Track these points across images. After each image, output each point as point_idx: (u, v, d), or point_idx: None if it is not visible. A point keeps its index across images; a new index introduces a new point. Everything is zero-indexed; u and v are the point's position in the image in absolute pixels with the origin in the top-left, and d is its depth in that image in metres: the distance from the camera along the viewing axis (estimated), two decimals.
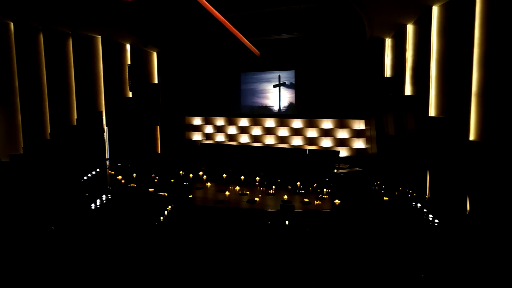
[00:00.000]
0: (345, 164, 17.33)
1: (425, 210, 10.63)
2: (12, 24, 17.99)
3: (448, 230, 9.28)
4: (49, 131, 18.68)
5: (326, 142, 18.44)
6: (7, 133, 18.49)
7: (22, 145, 18.44)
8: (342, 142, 18.24)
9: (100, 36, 18.68)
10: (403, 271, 7.40)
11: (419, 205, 11.21)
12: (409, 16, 12.44)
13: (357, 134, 18.08)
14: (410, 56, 13.23)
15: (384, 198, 12.50)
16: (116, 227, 10.14)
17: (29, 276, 7.07)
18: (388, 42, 15.52)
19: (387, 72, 15.59)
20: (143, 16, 16.87)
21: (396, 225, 10.13)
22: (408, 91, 13.43)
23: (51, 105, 18.62)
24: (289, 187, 14.41)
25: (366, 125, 17.78)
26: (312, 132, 18.76)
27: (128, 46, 19.26)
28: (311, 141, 18.77)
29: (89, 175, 15.73)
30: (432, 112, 11.30)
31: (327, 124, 18.58)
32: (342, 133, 18.30)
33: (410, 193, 12.63)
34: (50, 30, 18.09)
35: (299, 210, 11.78)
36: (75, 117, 18.79)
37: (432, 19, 11.03)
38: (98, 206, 11.83)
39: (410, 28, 13.23)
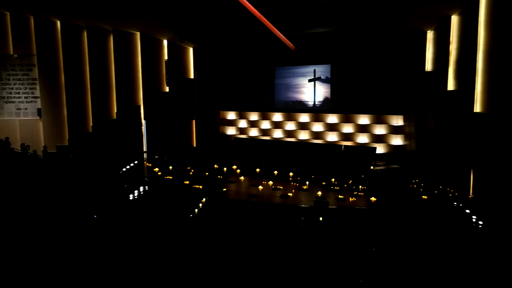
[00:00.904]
0: (382, 161, 16.88)
1: (468, 211, 10.16)
2: (58, 23, 18.86)
3: (493, 232, 8.83)
4: (91, 124, 19.51)
5: (363, 138, 18.03)
6: (55, 126, 19.49)
7: (67, 137, 19.39)
8: (379, 138, 17.77)
9: (139, 33, 19.19)
10: (442, 273, 7.13)
11: (461, 205, 10.73)
12: (454, 7, 11.87)
13: (395, 130, 17.55)
14: (454, 49, 12.63)
15: (423, 197, 12.08)
16: (152, 218, 10.41)
17: (73, 262, 7.40)
18: (430, 34, 14.90)
19: (428, 66, 14.99)
20: (180, 12, 17.13)
21: (436, 225, 9.76)
22: (451, 86, 12.85)
23: (93, 100, 19.41)
24: (323, 183, 14.24)
25: (404, 121, 17.21)
26: (348, 128, 18.41)
27: (165, 42, 19.66)
28: (346, 136, 18.42)
29: (128, 167, 16.24)
30: (477, 108, 10.75)
31: (363, 119, 18.15)
32: (379, 129, 17.82)
33: (451, 193, 12.10)
34: (93, 27, 18.80)
35: (334, 206, 11.62)
36: (115, 111, 19.48)
37: (480, 9, 10.46)
38: (136, 197, 12.20)
39: (454, 20, 12.62)
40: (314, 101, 19.20)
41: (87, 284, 6.68)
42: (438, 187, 12.86)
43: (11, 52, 19.01)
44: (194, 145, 20.38)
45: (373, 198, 12.24)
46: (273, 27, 14.86)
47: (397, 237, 9.05)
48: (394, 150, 17.50)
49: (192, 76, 20.21)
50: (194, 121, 20.38)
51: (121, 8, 15.06)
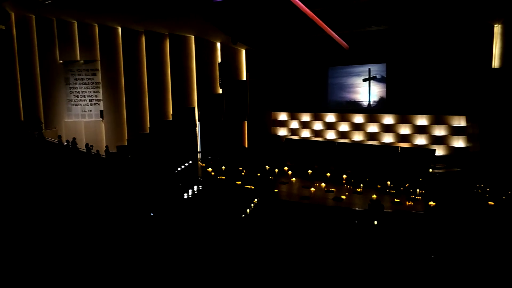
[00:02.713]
0: (442, 164, 15.97)
1: None
2: (119, 29, 20.00)
3: None
4: (148, 125, 20.44)
5: (420, 140, 17.17)
6: (115, 127, 20.70)
7: (126, 138, 20.49)
8: (439, 140, 16.82)
9: (193, 36, 19.80)
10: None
11: None
12: None
13: (457, 131, 16.51)
14: None
15: (489, 202, 11.25)
16: (206, 217, 10.65)
17: (131, 256, 7.77)
18: (497, 28, 13.86)
19: (495, 63, 13.94)
20: (233, 14, 17.39)
21: (504, 234, 9.05)
22: None
23: (151, 102, 20.34)
24: (378, 186, 13.75)
25: (467, 121, 16.13)
26: (404, 129, 17.63)
27: (218, 45, 20.09)
28: (403, 138, 17.64)
29: (183, 166, 16.77)
30: None
31: (421, 120, 17.28)
32: (439, 130, 16.87)
33: None
34: (150, 32, 19.70)
35: (389, 210, 11.19)
36: (171, 113, 20.24)
37: None
38: (190, 196, 12.56)
39: None
40: (369, 101, 18.62)
41: (145, 276, 6.97)
42: (507, 192, 11.92)
43: (78, 58, 20.44)
44: (246, 146, 20.61)
45: (432, 203, 11.61)
46: (326, 26, 14.61)
47: (459, 245, 8.50)
48: (455, 152, 16.48)
49: (244, 78, 20.46)
50: (246, 122, 20.60)
51: (176, 11, 15.60)
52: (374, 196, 12.40)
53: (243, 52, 20.41)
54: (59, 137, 17.50)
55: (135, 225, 9.63)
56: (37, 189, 11.37)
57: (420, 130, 17.29)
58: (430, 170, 14.99)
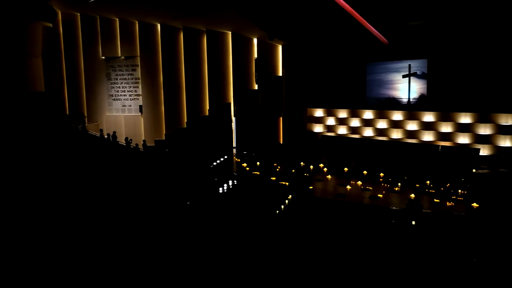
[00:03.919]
0: (486, 164, 15.22)
1: None
2: (159, 26, 20.49)
3: None
4: (185, 120, 20.85)
5: (463, 138, 16.43)
6: (153, 121, 21.28)
7: (164, 132, 21.02)
8: (483, 139, 16.02)
9: (230, 32, 19.94)
10: None
11: None
12: None
13: (504, 130, 15.65)
14: None
15: None
16: (240, 211, 10.75)
17: (166, 241, 7.99)
18: None
19: None
20: (270, 9, 17.34)
21: None
22: None
23: (188, 97, 20.72)
24: (417, 185, 13.33)
25: None
26: (446, 127, 16.93)
27: (255, 40, 20.12)
28: (444, 136, 16.96)
29: (218, 161, 16.99)
30: None
31: (465, 118, 16.53)
32: (484, 129, 16.07)
33: None
34: (188, 29, 20.03)
35: (428, 210, 10.83)
36: (207, 108, 20.53)
37: None
38: (225, 190, 12.72)
39: None
40: (409, 98, 18.04)
41: (181, 262, 7.14)
42: None
43: (119, 54, 21.14)
44: (281, 142, 20.56)
45: (475, 204, 11.12)
46: (365, 21, 14.30)
47: (503, 250, 8.10)
48: (501, 152, 15.64)
49: (280, 74, 20.39)
50: (281, 118, 20.55)
51: (214, 7, 15.76)
52: (412, 195, 12.05)
53: (280, 47, 20.33)
54: (101, 130, 18.24)
55: (173, 215, 9.88)
56: (80, 178, 11.91)
57: (463, 128, 16.56)
58: (474, 170, 14.35)
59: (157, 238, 8.35)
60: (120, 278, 6.76)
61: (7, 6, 17.02)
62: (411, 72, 17.85)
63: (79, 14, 20.62)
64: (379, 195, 12.32)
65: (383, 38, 16.81)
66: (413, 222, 9.78)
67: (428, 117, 17.51)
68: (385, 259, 7.70)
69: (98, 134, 17.88)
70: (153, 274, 6.89)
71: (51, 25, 19.88)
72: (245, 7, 15.72)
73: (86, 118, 20.15)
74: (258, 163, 16.95)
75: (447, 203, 11.50)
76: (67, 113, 21.01)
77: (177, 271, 7.06)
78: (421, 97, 17.73)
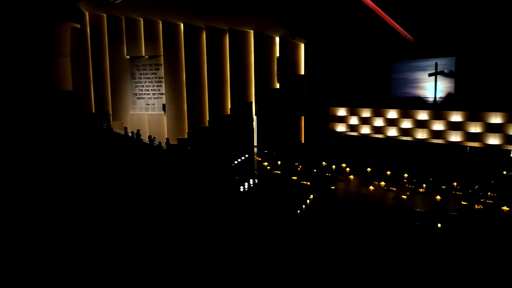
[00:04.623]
0: None
1: None
2: (182, 25, 20.69)
3: None
4: (207, 119, 20.99)
5: (493, 139, 15.83)
6: (176, 120, 21.52)
7: (187, 131, 21.24)
8: None
9: (252, 31, 19.92)
10: None
11: None
12: None
13: None
14: None
15: None
16: (261, 209, 10.71)
17: (188, 236, 8.04)
18: None
19: None
20: (293, 8, 17.22)
21: None
22: None
23: (210, 96, 20.85)
24: (443, 187, 12.96)
25: None
26: (475, 127, 16.36)
27: (277, 39, 20.03)
28: (473, 137, 16.39)
29: (239, 160, 17.01)
30: None
31: (495, 118, 15.92)
32: None
33: None
34: (211, 28, 20.14)
35: (454, 213, 10.48)
36: (229, 107, 20.60)
37: None
38: (246, 189, 12.71)
39: None
40: (435, 97, 17.53)
41: (202, 258, 7.17)
42: None
43: (143, 53, 21.47)
44: (303, 141, 20.41)
45: (505, 208, 10.70)
46: (389, 18, 13.99)
47: None
48: None
49: (302, 72, 20.23)
50: (303, 117, 20.39)
51: (237, 6, 15.77)
52: (438, 197, 11.72)
53: (302, 46, 20.16)
54: (125, 128, 18.58)
55: (195, 213, 9.94)
56: (106, 176, 12.15)
57: (493, 128, 15.96)
58: (504, 172, 13.81)
59: (180, 235, 8.42)
60: (149, 271, 6.86)
61: (37, 8, 17.56)
62: (438, 70, 17.36)
63: (105, 15, 21.07)
64: (403, 196, 12.04)
65: (408, 35, 16.41)
66: (439, 225, 9.50)
67: (456, 116, 16.98)
68: (409, 262, 7.49)
69: (122, 132, 18.23)
70: (175, 269, 6.95)
71: (79, 26, 20.42)
72: (268, 6, 15.66)
73: (111, 117, 20.57)
74: (279, 162, 16.88)
75: (476, 206, 11.12)
76: (93, 111, 21.51)
77: (198, 267, 7.09)
78: (448, 96, 17.22)
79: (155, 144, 16.75)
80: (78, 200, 10.06)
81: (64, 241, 7.82)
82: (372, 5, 12.65)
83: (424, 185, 13.05)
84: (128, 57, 21.74)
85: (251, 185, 13.15)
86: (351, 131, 20.04)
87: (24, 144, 13.23)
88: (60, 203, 9.78)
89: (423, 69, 17.84)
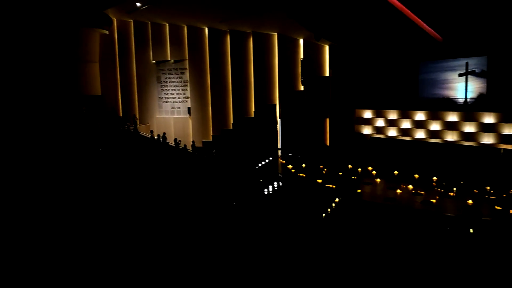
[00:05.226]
0: None
1: None
2: (206, 29, 20.91)
3: None
4: (231, 122, 21.09)
5: None
6: (201, 123, 21.75)
7: (211, 133, 21.42)
8: None
9: (276, 33, 19.91)
10: None
11: None
12: None
13: None
14: None
15: None
16: (285, 213, 10.63)
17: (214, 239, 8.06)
18: None
19: None
20: (317, 10, 17.09)
21: None
22: None
23: (234, 99, 20.96)
24: (475, 191, 12.48)
25: None
26: (509, 129, 15.69)
27: (301, 41, 19.93)
28: (507, 139, 15.72)
29: (263, 162, 16.98)
30: None
31: None
32: None
33: None
34: (235, 31, 20.26)
35: (487, 218, 10.07)
36: (253, 110, 20.63)
37: None
38: (270, 192, 12.65)
39: None
40: (465, 98, 16.96)
41: (225, 259, 7.16)
42: None
43: (169, 58, 21.83)
44: (328, 144, 20.17)
45: None
46: (416, 17, 13.66)
47: None
48: None
49: (327, 74, 20.03)
50: (328, 119, 20.17)
51: (261, 9, 15.81)
52: (470, 201, 11.31)
53: (326, 48, 19.98)
54: (151, 132, 18.90)
55: (218, 214, 9.97)
56: (133, 177, 12.38)
57: None
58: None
59: (204, 237, 8.46)
60: (175, 269, 6.93)
61: (67, 16, 18.19)
62: (469, 70, 16.79)
63: (132, 20, 21.56)
64: (432, 200, 11.68)
65: (437, 34, 15.97)
66: (471, 230, 9.15)
67: (488, 118, 16.36)
68: (440, 269, 7.23)
69: (149, 135, 18.56)
70: (202, 268, 6.98)
71: (107, 32, 21.00)
72: (292, 8, 15.62)
73: (138, 120, 20.99)
74: (303, 165, 16.74)
75: (510, 210, 10.65)
76: (121, 115, 22.01)
77: (223, 268, 7.09)
78: (480, 96, 16.61)
79: (180, 147, 16.95)
80: (107, 200, 10.28)
81: (101, 237, 8.02)
82: (398, 4, 12.38)
83: (454, 189, 12.64)
84: (154, 61, 22.15)
85: (275, 188, 13.07)
86: (377, 133, 19.65)
87: (55, 146, 13.66)
88: (91, 202, 10.03)
89: (453, 69, 17.32)
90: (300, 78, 19.92)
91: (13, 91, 16.46)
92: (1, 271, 6.72)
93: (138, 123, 20.53)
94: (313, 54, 19.72)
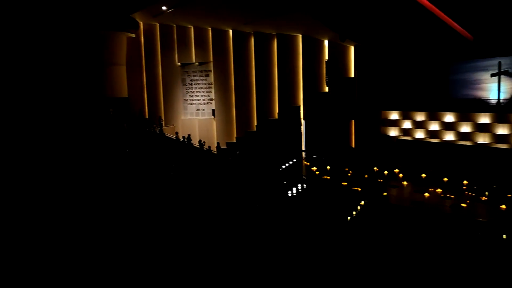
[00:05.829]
0: None
1: None
2: (230, 32, 21.04)
3: None
4: (255, 123, 21.11)
5: None
6: (225, 124, 21.87)
7: (235, 135, 21.51)
8: None
9: (300, 35, 19.80)
10: None
11: None
12: None
13: None
14: None
15: None
16: (310, 215, 10.52)
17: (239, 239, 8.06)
18: None
19: None
20: (342, 10, 16.89)
21: None
22: None
23: (258, 100, 20.96)
24: (509, 195, 11.99)
25: None
26: None
27: (326, 42, 19.74)
28: None
29: (287, 164, 16.90)
30: None
31: None
32: None
33: None
34: (259, 33, 20.29)
35: None
36: (277, 111, 20.58)
37: None
38: (294, 194, 12.56)
39: None
40: (498, 99, 16.34)
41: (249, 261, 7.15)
42: None
43: (194, 60, 22.08)
44: (353, 146, 19.88)
45: None
46: (445, 16, 13.27)
47: None
48: None
49: (352, 75, 19.74)
50: (353, 121, 19.87)
51: (286, 10, 15.78)
52: (503, 206, 10.87)
53: (352, 49, 19.70)
54: (176, 133, 19.16)
55: (242, 215, 9.97)
56: (159, 177, 12.56)
57: None
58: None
59: (230, 237, 8.48)
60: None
61: (95, 20, 18.72)
62: (502, 70, 16.19)
63: (158, 24, 21.94)
64: (462, 205, 11.31)
65: (467, 33, 15.48)
66: (504, 236, 8.79)
67: None
68: (472, 275, 6.98)
69: (174, 137, 18.81)
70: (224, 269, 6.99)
71: (134, 35, 21.46)
72: (317, 9, 15.50)
73: (163, 122, 21.31)
74: (328, 167, 16.56)
75: None
76: (147, 116, 22.42)
77: (246, 268, 7.08)
78: None
79: (205, 148, 17.10)
80: (135, 199, 10.47)
81: (138, 236, 8.19)
82: (427, 3, 12.07)
83: (486, 193, 12.17)
84: (179, 64, 22.44)
85: (300, 190, 12.97)
86: (404, 135, 19.20)
87: (83, 147, 14.04)
88: (119, 201, 10.24)
89: (484, 69, 16.74)
90: (324, 79, 19.72)
91: (43, 94, 17.05)
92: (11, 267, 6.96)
93: (163, 124, 20.85)
94: (338, 55, 19.49)
